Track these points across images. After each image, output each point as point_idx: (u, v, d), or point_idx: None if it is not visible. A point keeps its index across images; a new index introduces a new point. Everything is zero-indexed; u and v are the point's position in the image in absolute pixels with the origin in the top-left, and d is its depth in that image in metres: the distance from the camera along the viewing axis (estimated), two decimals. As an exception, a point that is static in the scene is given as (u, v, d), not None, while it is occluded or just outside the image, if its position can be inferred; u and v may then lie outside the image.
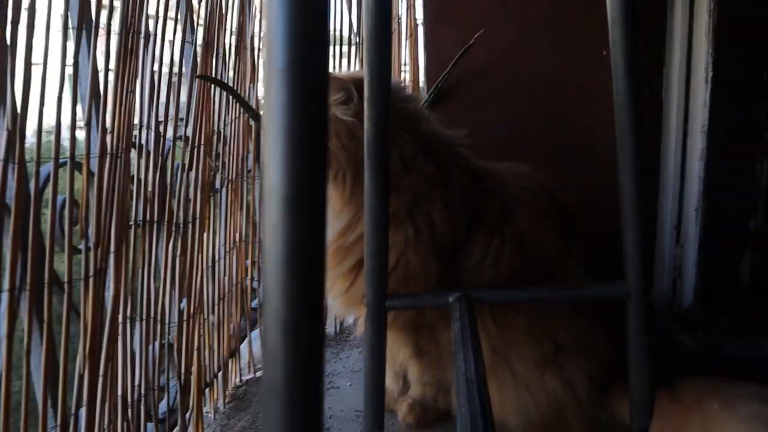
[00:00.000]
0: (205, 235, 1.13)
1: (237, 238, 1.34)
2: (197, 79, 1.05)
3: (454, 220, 0.88)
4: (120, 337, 0.93)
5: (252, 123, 1.33)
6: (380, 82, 0.69)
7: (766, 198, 1.24)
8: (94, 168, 0.79)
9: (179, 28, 1.12)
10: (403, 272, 0.88)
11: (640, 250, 0.75)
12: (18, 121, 0.68)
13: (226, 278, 1.29)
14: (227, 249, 1.28)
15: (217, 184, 1.28)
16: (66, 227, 0.80)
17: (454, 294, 0.81)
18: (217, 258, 1.22)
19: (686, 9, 1.23)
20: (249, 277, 1.43)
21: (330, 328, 1.65)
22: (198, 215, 1.04)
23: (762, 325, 1.40)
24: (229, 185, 1.30)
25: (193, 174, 1.03)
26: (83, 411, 0.82)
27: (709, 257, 1.26)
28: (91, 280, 0.80)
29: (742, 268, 1.27)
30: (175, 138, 1.05)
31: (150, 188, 0.94)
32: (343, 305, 0.97)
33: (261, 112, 1.42)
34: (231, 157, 1.29)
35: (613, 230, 0.78)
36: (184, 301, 1.10)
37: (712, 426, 0.84)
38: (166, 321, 1.05)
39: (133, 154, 0.95)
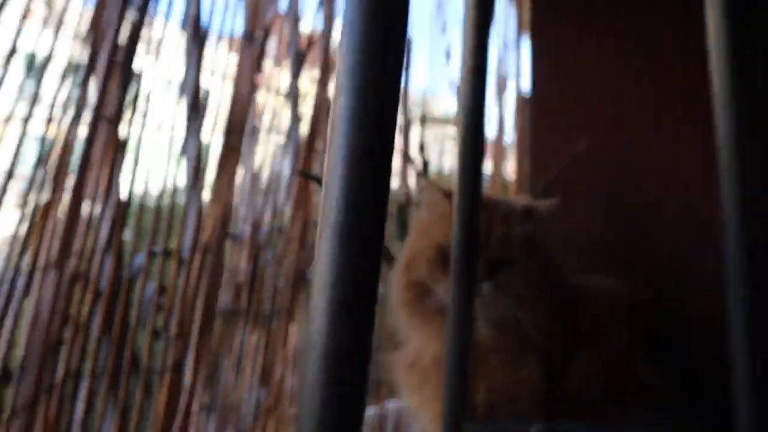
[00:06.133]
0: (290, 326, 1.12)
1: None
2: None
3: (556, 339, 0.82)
4: (194, 427, 0.91)
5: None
6: (472, 189, 0.67)
7: None
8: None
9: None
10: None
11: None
12: (120, 212, 0.72)
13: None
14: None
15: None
16: (151, 314, 0.82)
17: (536, 425, 0.74)
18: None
19: None
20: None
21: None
22: (287, 306, 1.04)
23: None
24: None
25: (285, 264, 1.04)
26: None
27: None
28: (168, 372, 0.80)
29: None
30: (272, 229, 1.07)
31: (241, 278, 0.95)
32: (437, 428, 0.91)
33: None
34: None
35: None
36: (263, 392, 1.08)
37: None
38: (243, 411, 1.03)
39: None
